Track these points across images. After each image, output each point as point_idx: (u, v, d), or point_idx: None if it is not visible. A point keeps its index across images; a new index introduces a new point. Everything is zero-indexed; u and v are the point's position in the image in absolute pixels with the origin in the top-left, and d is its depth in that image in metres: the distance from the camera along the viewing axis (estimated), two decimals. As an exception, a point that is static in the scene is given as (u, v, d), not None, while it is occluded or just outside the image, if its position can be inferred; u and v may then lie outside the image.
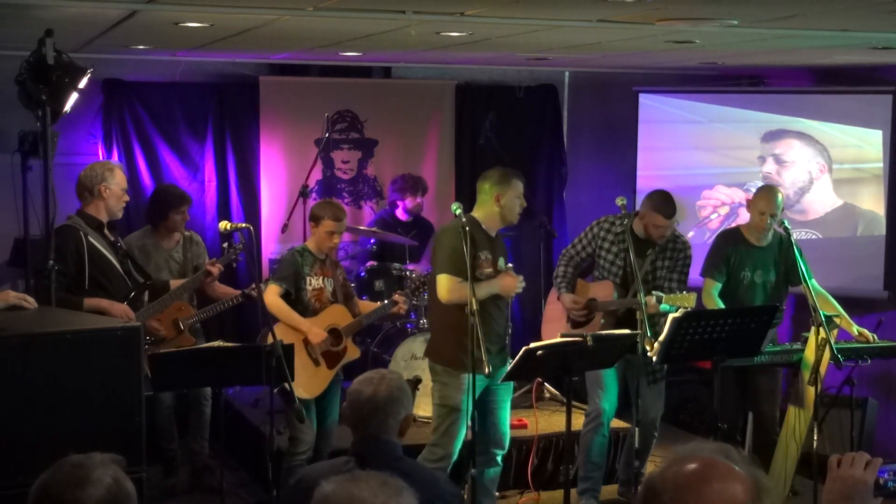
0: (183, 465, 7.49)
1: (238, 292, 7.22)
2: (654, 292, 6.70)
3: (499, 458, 6.51)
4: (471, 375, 6.08)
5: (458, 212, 6.15)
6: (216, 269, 7.05)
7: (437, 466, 6.24)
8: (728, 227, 7.91)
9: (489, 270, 6.22)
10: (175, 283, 7.04)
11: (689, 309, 6.63)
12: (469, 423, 6.08)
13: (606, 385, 6.90)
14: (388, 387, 3.93)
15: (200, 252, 7.51)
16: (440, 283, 6.19)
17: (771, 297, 7.25)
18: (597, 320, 7.00)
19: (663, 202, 6.86)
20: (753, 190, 9.00)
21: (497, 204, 6.29)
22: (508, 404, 6.50)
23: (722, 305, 7.06)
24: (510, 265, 6.45)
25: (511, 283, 6.26)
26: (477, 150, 9.77)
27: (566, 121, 10.35)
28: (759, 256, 7.25)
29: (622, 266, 6.96)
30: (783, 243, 7.24)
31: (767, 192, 7.23)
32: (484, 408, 6.36)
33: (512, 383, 6.52)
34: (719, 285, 7.21)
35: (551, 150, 10.24)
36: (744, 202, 8.31)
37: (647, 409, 6.91)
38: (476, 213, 6.34)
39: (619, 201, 6.81)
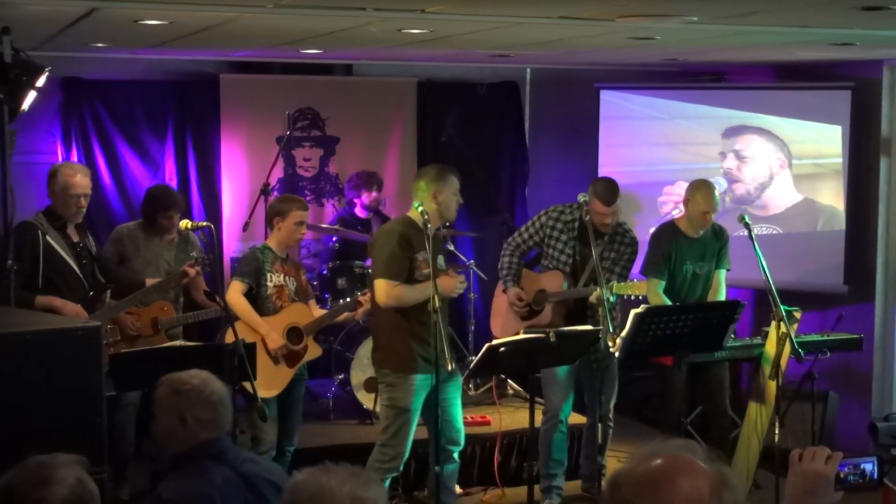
0: (138, 475, 7.29)
1: (220, 306, 7.12)
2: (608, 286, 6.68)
3: (455, 455, 6.49)
4: (420, 376, 6.11)
5: (420, 209, 6.14)
6: (193, 271, 6.98)
7: (388, 467, 6.25)
8: (663, 222, 7.89)
9: (428, 271, 6.19)
10: (151, 283, 6.98)
11: (641, 297, 6.67)
12: (418, 422, 6.10)
13: (561, 382, 6.90)
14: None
15: (194, 252, 7.41)
16: (378, 289, 6.17)
17: (709, 287, 7.29)
18: (546, 312, 6.99)
19: (604, 189, 6.83)
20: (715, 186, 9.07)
21: (434, 201, 6.23)
22: (459, 401, 6.49)
23: (669, 303, 7.07)
24: (451, 266, 6.39)
25: (451, 284, 6.22)
26: (439, 148, 9.75)
27: (528, 117, 10.36)
28: (698, 248, 7.28)
29: (571, 255, 6.96)
30: (716, 232, 7.29)
31: (706, 190, 7.18)
32: (434, 406, 6.36)
33: (460, 380, 6.51)
34: (664, 283, 7.22)
35: (513, 146, 10.25)
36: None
37: (604, 400, 6.92)
38: (412, 213, 6.30)
39: (582, 198, 6.80)
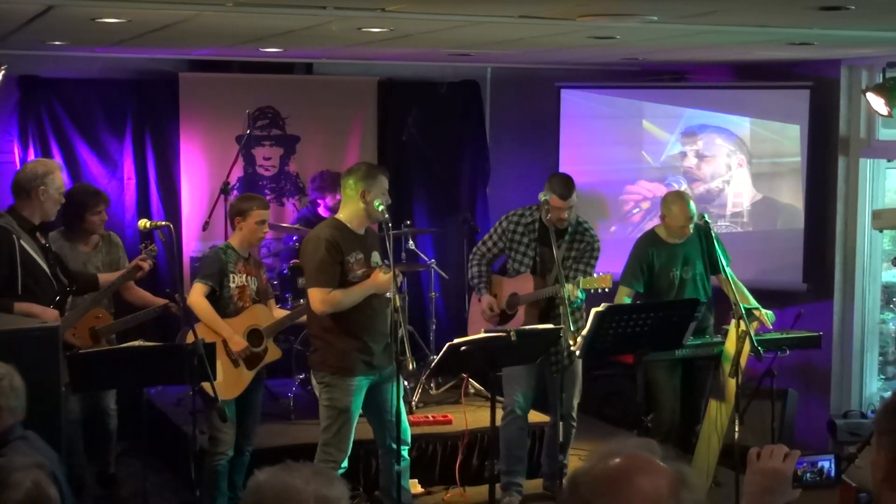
0: (86, 487, 7.09)
1: (160, 300, 7.05)
2: (574, 282, 6.70)
3: (405, 453, 6.47)
4: (359, 378, 6.10)
5: (381, 208, 6.13)
6: (147, 265, 6.87)
7: (332, 466, 6.21)
8: (644, 230, 7.91)
9: (362, 271, 6.16)
10: (104, 279, 6.89)
11: (608, 290, 6.68)
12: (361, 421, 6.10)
13: (520, 379, 6.92)
14: None
15: (120, 254, 7.32)
16: (312, 298, 6.13)
17: (705, 289, 7.33)
18: (520, 315, 7.01)
19: (559, 184, 6.85)
20: (675, 185, 9.12)
21: (363, 200, 6.17)
22: (400, 398, 6.46)
23: None
24: (385, 262, 6.33)
25: (385, 280, 6.14)
26: (400, 147, 9.75)
27: (489, 116, 10.37)
28: (682, 253, 7.31)
29: (533, 256, 6.98)
30: (702, 232, 7.31)
31: (681, 204, 7.17)
32: (378, 407, 6.35)
33: (400, 378, 6.46)
34: (632, 292, 7.23)
35: (474, 145, 10.25)
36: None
37: (566, 399, 6.93)
38: (341, 214, 6.27)
39: (543, 196, 6.81)
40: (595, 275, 6.75)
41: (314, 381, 6.50)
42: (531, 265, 6.99)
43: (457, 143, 10.18)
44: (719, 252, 6.86)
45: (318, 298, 6.09)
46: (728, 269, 7.11)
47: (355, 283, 6.12)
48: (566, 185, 6.83)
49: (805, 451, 2.87)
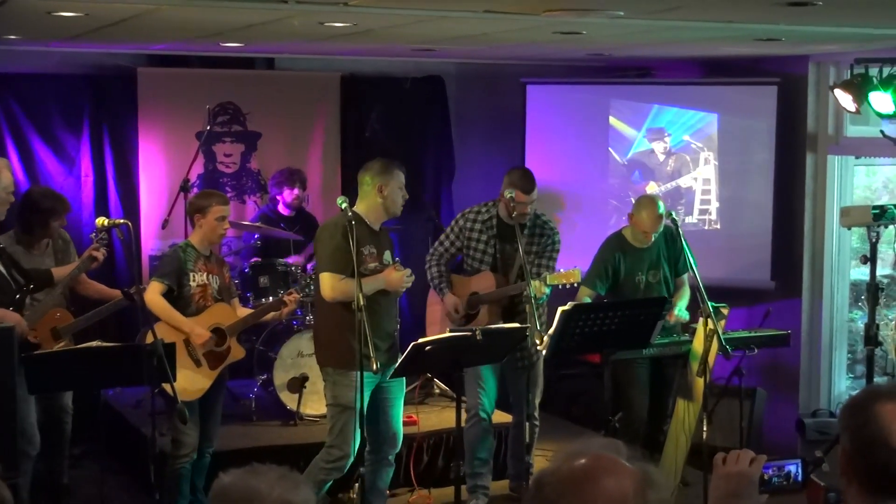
0: (41, 491, 7.05)
1: (117, 292, 7.02)
2: (541, 276, 6.70)
3: (391, 457, 6.49)
4: (367, 374, 6.09)
5: (343, 206, 6.13)
6: (101, 254, 6.79)
7: (333, 467, 6.23)
8: (610, 228, 7.94)
9: (374, 265, 6.20)
10: (58, 273, 6.81)
11: (575, 284, 6.69)
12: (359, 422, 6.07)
13: (484, 379, 6.92)
14: None
15: (71, 251, 7.26)
16: (323, 282, 6.15)
17: (669, 290, 7.36)
18: (482, 314, 6.99)
19: (520, 178, 6.86)
20: (640, 184, 9.16)
21: (380, 195, 6.25)
22: (401, 402, 6.49)
23: None
24: (397, 259, 6.42)
25: (397, 278, 6.23)
26: (363, 143, 9.73)
27: (453, 113, 10.37)
28: (648, 257, 7.34)
29: (493, 254, 6.98)
30: (667, 235, 7.34)
31: (650, 211, 7.19)
32: (375, 406, 6.35)
33: (403, 381, 6.51)
34: (595, 294, 7.25)
35: (439, 142, 10.26)
36: (629, 195, 8.44)
37: (524, 398, 6.94)
38: (358, 207, 6.30)
39: (508, 194, 6.80)
40: (560, 270, 6.75)
41: (323, 380, 6.45)
42: (491, 262, 6.99)
43: (421, 139, 10.19)
44: (688, 253, 6.88)
45: (329, 284, 6.11)
46: (696, 271, 7.19)
47: (367, 275, 6.13)
48: (529, 179, 6.85)
49: (771, 456, 2.89)
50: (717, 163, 9.19)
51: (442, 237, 7.20)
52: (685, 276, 7.44)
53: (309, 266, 8.28)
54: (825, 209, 8.77)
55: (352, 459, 6.27)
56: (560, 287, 6.71)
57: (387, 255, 6.36)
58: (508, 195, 6.76)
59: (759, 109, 9.00)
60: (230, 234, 8.51)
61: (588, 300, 7.16)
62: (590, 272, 7.30)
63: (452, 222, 7.18)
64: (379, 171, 6.30)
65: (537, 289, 6.49)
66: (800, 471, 2.94)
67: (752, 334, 7.27)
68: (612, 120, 9.57)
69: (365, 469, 6.25)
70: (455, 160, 10.30)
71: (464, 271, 7.15)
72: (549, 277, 6.62)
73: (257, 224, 8.68)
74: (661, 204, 7.24)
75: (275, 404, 8.06)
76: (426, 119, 10.21)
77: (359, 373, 5.97)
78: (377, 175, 6.27)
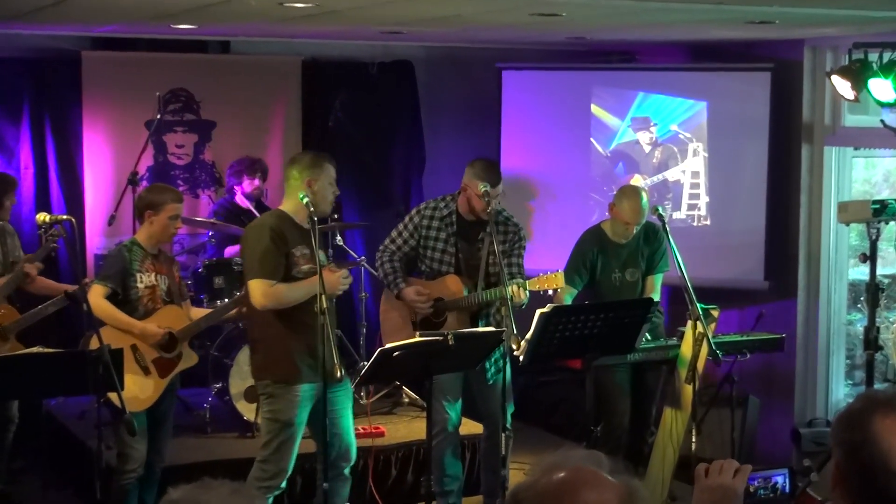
0: None
1: (62, 288, 6.99)
2: (516, 280, 6.64)
3: (346, 471, 6.47)
4: (304, 386, 6.07)
5: (305, 200, 6.09)
6: (34, 269, 6.83)
7: (269, 485, 6.19)
8: (590, 220, 7.96)
9: (307, 267, 6.13)
10: None
11: (559, 289, 6.66)
12: (305, 434, 6.07)
13: (449, 390, 6.86)
14: None
15: (16, 244, 7.24)
16: (253, 290, 6.07)
17: (644, 292, 7.38)
18: (450, 322, 6.91)
19: (485, 168, 6.81)
20: (625, 177, 9.17)
21: (309, 191, 6.16)
22: (350, 412, 6.44)
23: None
24: (332, 259, 6.33)
25: (334, 280, 6.12)
26: (327, 133, 9.72)
27: (424, 100, 10.36)
28: (626, 254, 7.35)
29: (454, 254, 6.94)
30: (647, 235, 7.36)
31: (633, 201, 7.22)
32: (322, 419, 6.31)
33: (350, 389, 6.46)
34: (575, 292, 7.26)
35: (408, 131, 10.25)
36: (613, 188, 8.44)
37: (495, 408, 6.88)
38: (285, 206, 6.25)
39: (482, 187, 6.75)
40: (543, 273, 6.66)
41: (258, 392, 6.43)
42: (452, 263, 6.95)
43: (389, 129, 10.17)
44: (675, 252, 6.87)
45: (260, 291, 6.04)
46: (657, 278, 7.24)
47: (300, 278, 6.09)
48: (495, 171, 6.83)
49: (757, 466, 2.89)
50: (706, 154, 9.21)
51: (394, 233, 7.09)
52: (658, 278, 7.44)
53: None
54: (822, 204, 8.81)
55: (288, 475, 6.25)
56: (542, 293, 6.67)
57: (322, 255, 6.30)
58: (483, 188, 6.69)
59: (751, 97, 9.02)
60: (183, 231, 8.47)
61: (569, 298, 7.18)
62: (567, 268, 7.29)
63: (406, 218, 7.07)
64: (308, 164, 6.21)
65: (515, 294, 6.45)
66: (787, 482, 2.95)
67: (744, 338, 7.29)
68: (593, 108, 9.58)
69: (326, 484, 6.24)
70: (425, 151, 10.29)
71: (419, 273, 7.09)
72: (530, 282, 6.55)
73: (212, 220, 8.65)
74: (644, 194, 7.27)
75: (231, 415, 8.04)
76: (394, 107, 10.20)
77: (305, 386, 6.03)
78: (306, 169, 6.18)
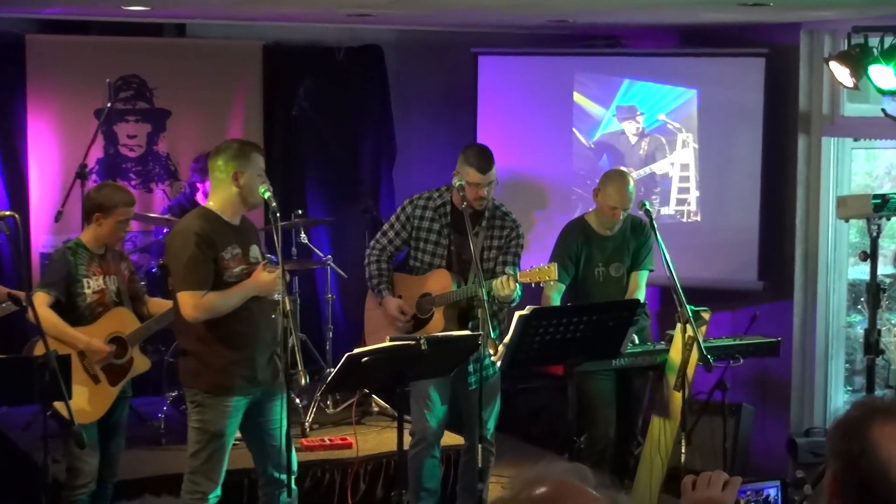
0: None
1: (4, 291, 6.94)
2: (507, 270, 6.60)
3: (293, 486, 6.41)
4: (236, 398, 6.03)
5: (266, 195, 6.05)
6: None
7: (201, 498, 6.13)
8: (573, 217, 7.95)
9: (240, 269, 6.08)
10: None
11: (552, 281, 6.60)
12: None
13: (432, 397, 6.85)
14: None
15: None
16: (182, 303, 6.00)
17: (628, 289, 7.39)
18: (436, 319, 6.91)
19: (476, 155, 6.80)
20: (608, 167, 9.16)
21: (235, 184, 6.05)
22: (286, 422, 6.39)
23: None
24: (268, 256, 6.25)
25: (269, 280, 6.03)
26: (290, 123, 9.70)
27: (394, 88, 10.34)
28: (611, 248, 7.36)
29: (447, 246, 6.92)
30: (634, 228, 7.37)
31: (619, 183, 7.24)
32: (258, 429, 6.26)
33: (284, 397, 6.39)
34: (562, 287, 7.26)
35: (378, 122, 10.24)
36: (597, 182, 8.44)
37: (479, 419, 6.86)
38: (212, 201, 6.17)
39: (457, 181, 6.75)
40: (534, 266, 6.60)
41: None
42: (444, 257, 6.94)
43: (357, 118, 10.16)
44: (662, 249, 6.87)
45: (190, 304, 5.97)
46: (642, 276, 7.26)
47: (233, 283, 6.03)
48: (484, 156, 6.79)
49: (748, 479, 2.90)
50: (696, 146, 9.23)
51: (385, 227, 7.09)
52: (642, 276, 7.45)
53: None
54: (819, 199, 8.82)
55: (218, 491, 6.19)
56: (533, 286, 6.64)
57: (254, 251, 6.19)
58: (458, 182, 6.67)
59: (744, 85, 9.04)
60: (136, 228, 8.46)
61: (557, 296, 7.18)
62: (554, 261, 7.29)
63: (398, 209, 7.06)
64: (234, 154, 6.10)
65: (504, 287, 6.40)
66: (780, 495, 2.95)
67: (737, 342, 7.31)
68: (576, 96, 9.58)
69: (262, 502, 6.23)
70: (396, 143, 10.27)
71: (410, 269, 7.07)
72: (521, 274, 6.50)
73: (167, 217, 8.61)
74: (631, 178, 7.27)
75: (186, 425, 7.99)
76: (362, 95, 10.18)
77: (238, 399, 6.02)
78: (232, 160, 6.08)
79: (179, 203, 8.93)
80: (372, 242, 7.11)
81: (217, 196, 6.14)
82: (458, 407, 7.08)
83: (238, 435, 6.29)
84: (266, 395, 6.18)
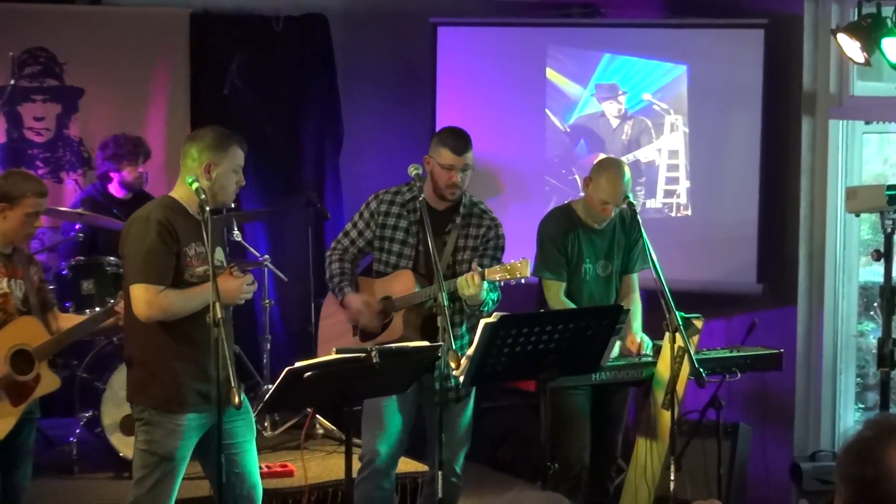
0: None
1: None
2: (473, 265, 6.56)
3: None
4: (191, 416, 6.00)
5: (194, 186, 6.03)
6: None
7: None
8: (556, 205, 7.96)
9: (202, 270, 6.07)
10: None
11: (524, 280, 6.57)
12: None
13: (386, 418, 6.83)
14: None
15: None
16: (136, 298, 5.96)
17: (613, 294, 7.39)
18: (396, 324, 6.90)
19: (451, 134, 6.79)
20: (587, 157, 9.19)
21: (206, 177, 6.04)
22: (253, 446, 6.36)
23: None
24: (233, 263, 6.26)
25: (234, 287, 6.03)
26: (221, 103, 9.68)
27: (341, 63, 10.33)
28: (600, 243, 7.35)
29: (415, 246, 6.91)
30: (625, 223, 7.37)
31: (613, 175, 7.19)
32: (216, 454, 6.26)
33: (252, 420, 6.38)
34: (564, 285, 7.26)
35: (322, 102, 10.22)
36: (573, 170, 8.46)
37: (447, 444, 6.85)
38: (177, 192, 6.16)
39: (413, 170, 6.71)
40: (509, 262, 6.55)
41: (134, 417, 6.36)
42: (412, 257, 6.93)
43: (298, 98, 10.14)
44: (648, 248, 6.89)
45: (144, 298, 5.93)
46: (635, 278, 7.27)
47: (193, 284, 6.02)
48: (461, 137, 6.78)
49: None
50: (686, 129, 9.25)
51: (347, 226, 7.06)
52: (636, 277, 7.48)
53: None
54: (826, 190, 8.87)
55: None
56: (502, 284, 6.60)
57: (219, 254, 6.23)
58: (414, 171, 6.63)
59: (740, 60, 9.07)
60: (44, 224, 8.39)
61: (564, 292, 7.18)
62: (546, 257, 7.31)
63: (362, 206, 7.02)
64: (210, 143, 6.08)
65: (466, 286, 6.37)
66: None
67: (734, 354, 7.33)
68: (549, 73, 9.59)
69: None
70: (343, 126, 10.26)
71: (376, 274, 7.04)
72: (489, 271, 6.46)
73: (79, 210, 8.57)
74: (627, 169, 7.25)
75: (103, 451, 7.98)
76: (304, 71, 10.17)
77: (190, 416, 5.98)
78: (207, 149, 6.05)
79: (90, 196, 8.87)
80: (332, 244, 7.09)
81: (184, 187, 6.10)
82: (424, 429, 7.06)
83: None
84: (228, 416, 6.13)
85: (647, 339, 7.33)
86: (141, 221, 6.06)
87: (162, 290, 5.94)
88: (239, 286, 6.06)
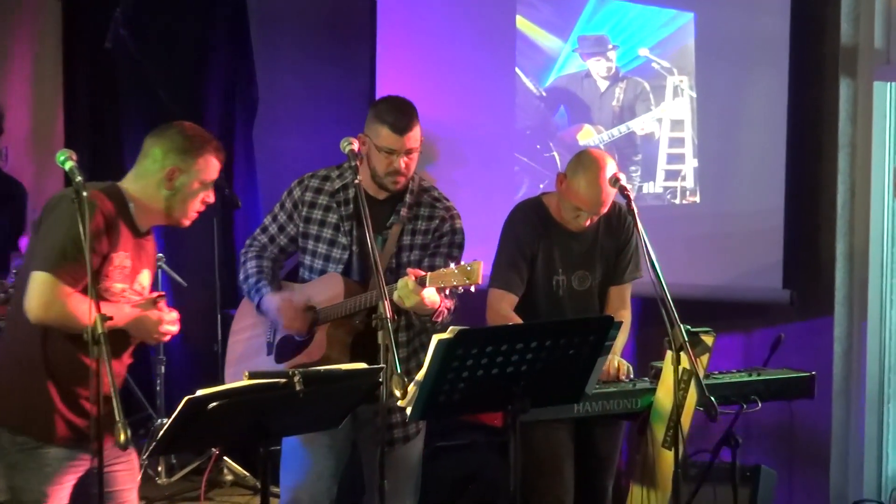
0: None
1: None
2: (412, 271, 6.50)
3: None
4: (62, 451, 6.00)
5: (67, 165, 6.00)
6: None
7: None
8: (517, 199, 7.96)
9: (121, 287, 6.06)
10: None
11: (472, 288, 6.54)
12: None
13: (311, 460, 6.88)
14: None
15: None
16: (34, 288, 5.91)
17: (598, 309, 7.41)
18: (318, 341, 6.89)
19: (391, 108, 6.77)
20: (568, 129, 9.21)
21: (167, 185, 6.05)
22: (135, 494, 6.38)
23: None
24: (163, 292, 6.24)
25: (152, 321, 6.06)
26: (101, 61, 9.66)
27: (255, 14, 10.34)
28: (577, 249, 7.34)
29: (348, 245, 6.92)
30: (610, 223, 7.36)
31: (593, 175, 7.10)
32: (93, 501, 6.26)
33: (135, 461, 6.37)
34: (515, 299, 7.25)
35: (229, 60, 10.25)
36: (550, 146, 8.49)
37: (391, 494, 6.85)
38: (130, 184, 6.14)
39: (346, 145, 6.68)
40: (454, 265, 6.50)
41: None
42: (344, 261, 6.94)
43: (199, 53, 10.15)
44: (645, 242, 6.88)
45: (45, 291, 5.85)
46: (627, 290, 7.34)
47: (105, 299, 5.96)
48: (404, 111, 6.77)
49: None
50: (694, 94, 9.28)
51: (266, 220, 7.09)
52: (628, 289, 7.49)
53: (15, 262, 8.20)
54: (870, 171, 8.89)
55: None
56: (448, 294, 6.59)
57: (144, 277, 6.22)
58: (346, 146, 6.57)
59: (762, 6, 9.10)
60: None
61: (513, 306, 7.18)
62: (501, 265, 7.32)
63: (284, 194, 7.01)
64: (180, 146, 6.07)
65: (408, 297, 6.35)
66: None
67: (754, 378, 7.35)
68: (520, 22, 9.62)
69: None
70: (257, 88, 10.27)
71: (300, 281, 7.06)
72: (431, 276, 6.42)
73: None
74: (612, 163, 7.21)
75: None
76: (207, 20, 10.19)
77: (76, 451, 5.97)
78: (174, 152, 6.05)
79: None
80: (248, 240, 7.10)
81: (139, 184, 6.10)
82: (360, 475, 7.08)
83: None
84: (111, 458, 6.12)
85: (625, 362, 7.32)
86: (68, 201, 5.94)
87: (66, 291, 5.89)
88: (158, 321, 6.06)
